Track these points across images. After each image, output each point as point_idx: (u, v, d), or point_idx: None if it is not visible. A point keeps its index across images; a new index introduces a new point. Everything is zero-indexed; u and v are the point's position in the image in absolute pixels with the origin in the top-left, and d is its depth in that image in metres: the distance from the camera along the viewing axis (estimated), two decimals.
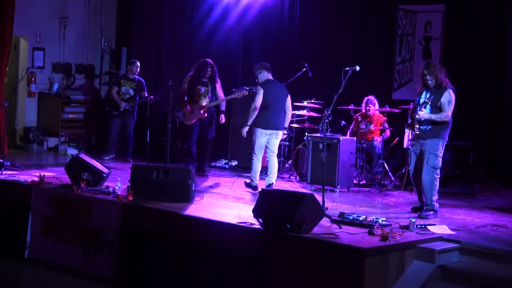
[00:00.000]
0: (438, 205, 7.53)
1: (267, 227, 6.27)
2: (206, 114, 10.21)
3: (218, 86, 10.42)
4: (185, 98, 10.33)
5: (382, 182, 9.68)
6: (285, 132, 9.31)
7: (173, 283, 6.99)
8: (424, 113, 7.38)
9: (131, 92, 11.61)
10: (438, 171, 7.46)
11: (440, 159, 7.48)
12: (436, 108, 7.42)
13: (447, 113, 7.40)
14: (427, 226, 6.65)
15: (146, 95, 11.48)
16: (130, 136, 11.69)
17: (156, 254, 7.10)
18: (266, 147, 8.95)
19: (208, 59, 10.49)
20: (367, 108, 10.16)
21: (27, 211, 8.12)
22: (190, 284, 6.85)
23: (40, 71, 12.97)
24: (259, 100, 8.87)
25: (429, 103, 7.38)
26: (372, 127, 10.09)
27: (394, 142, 10.21)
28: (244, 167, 10.86)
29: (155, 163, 9.19)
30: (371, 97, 10.23)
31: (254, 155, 8.92)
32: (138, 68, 11.69)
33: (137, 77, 11.73)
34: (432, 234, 6.46)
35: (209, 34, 12.94)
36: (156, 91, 11.47)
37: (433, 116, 7.40)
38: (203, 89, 10.30)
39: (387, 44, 11.45)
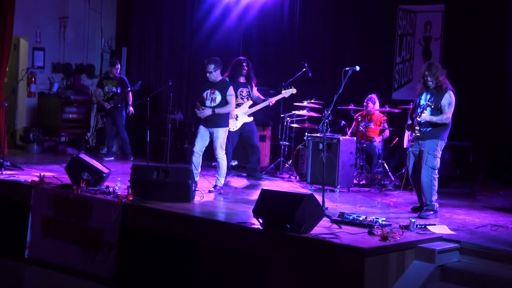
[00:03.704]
0: (438, 205, 7.53)
1: (267, 227, 6.27)
2: (252, 118, 9.84)
3: (254, 85, 10.00)
4: None
5: (382, 182, 9.68)
6: None
7: (173, 283, 6.99)
8: (425, 116, 7.37)
9: (114, 89, 11.75)
10: (437, 171, 7.47)
11: (439, 160, 7.48)
12: (437, 110, 7.42)
13: (448, 115, 7.40)
14: (427, 226, 6.65)
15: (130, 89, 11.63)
16: (123, 133, 11.75)
17: (156, 254, 7.10)
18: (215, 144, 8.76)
19: (241, 57, 10.07)
20: (366, 105, 10.17)
21: (27, 211, 8.12)
22: (190, 284, 6.85)
23: (40, 71, 12.98)
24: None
25: (432, 106, 7.38)
26: (371, 125, 10.09)
27: (394, 142, 10.21)
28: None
29: (155, 163, 9.20)
30: (372, 95, 10.24)
31: (224, 154, 8.69)
32: (118, 70, 11.89)
33: (118, 75, 11.89)
34: (432, 234, 6.47)
35: (209, 34, 12.94)
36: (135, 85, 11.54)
37: (434, 118, 7.40)
38: (245, 91, 9.84)
39: (387, 44, 11.45)
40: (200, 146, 8.67)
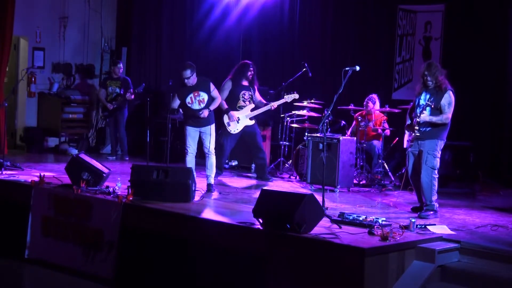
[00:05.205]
0: (437, 205, 7.53)
1: (267, 227, 6.27)
2: (253, 122, 9.80)
3: (257, 89, 9.96)
4: (226, 106, 9.61)
5: (382, 182, 9.68)
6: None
7: (173, 283, 6.99)
8: (425, 116, 7.37)
9: (118, 90, 11.92)
10: (436, 171, 7.47)
11: (438, 160, 7.48)
12: (436, 110, 7.41)
13: (447, 115, 7.39)
14: (427, 226, 6.65)
15: (132, 91, 11.73)
16: (122, 133, 11.91)
17: (156, 254, 7.10)
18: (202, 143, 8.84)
19: (248, 61, 10.01)
20: (366, 104, 10.17)
21: (27, 211, 8.12)
22: (189, 284, 6.85)
23: (40, 71, 12.98)
24: None
25: (432, 106, 7.37)
26: (371, 125, 10.09)
27: (394, 142, 10.21)
28: (244, 167, 10.86)
29: (155, 163, 9.19)
30: (372, 95, 10.24)
31: (214, 151, 8.82)
32: (121, 69, 12.05)
33: (122, 75, 12.05)
34: (432, 234, 6.46)
35: (209, 34, 12.95)
36: (137, 88, 11.63)
37: (434, 119, 7.39)
38: (247, 94, 9.78)
39: (387, 44, 11.45)
40: (194, 146, 8.73)
